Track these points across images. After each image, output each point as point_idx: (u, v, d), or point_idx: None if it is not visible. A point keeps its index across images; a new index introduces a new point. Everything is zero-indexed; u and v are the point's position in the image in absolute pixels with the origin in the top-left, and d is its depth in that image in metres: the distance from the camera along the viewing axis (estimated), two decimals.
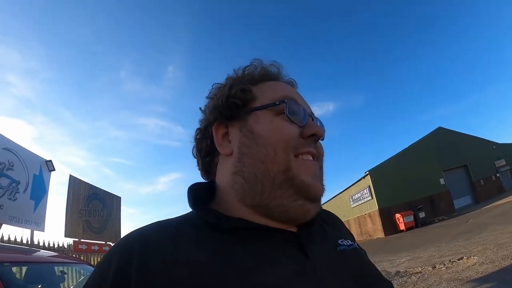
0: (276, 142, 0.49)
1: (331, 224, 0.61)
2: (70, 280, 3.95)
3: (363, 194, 21.22)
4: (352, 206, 23.44)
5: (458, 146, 21.47)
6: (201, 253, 0.41)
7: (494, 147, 23.10)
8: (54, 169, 8.25)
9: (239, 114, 0.53)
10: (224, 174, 0.53)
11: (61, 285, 2.78)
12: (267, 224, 0.47)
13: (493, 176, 21.64)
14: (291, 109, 0.52)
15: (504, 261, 4.59)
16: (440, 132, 22.43)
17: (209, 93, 0.59)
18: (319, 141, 0.55)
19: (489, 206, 14.70)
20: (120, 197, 11.88)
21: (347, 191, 24.42)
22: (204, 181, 0.59)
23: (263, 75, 0.59)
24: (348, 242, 0.55)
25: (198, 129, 0.59)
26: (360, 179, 21.40)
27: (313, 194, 0.49)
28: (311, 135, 0.51)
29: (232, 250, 0.42)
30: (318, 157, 0.54)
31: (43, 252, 3.52)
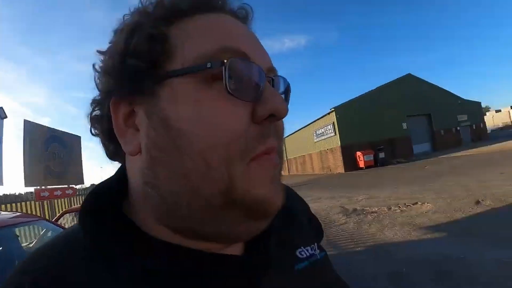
0: (210, 147, 0.28)
1: (290, 220, 0.47)
2: (29, 238, 3.85)
3: (326, 130, 22.00)
4: (315, 140, 24.43)
5: (424, 94, 22.37)
6: None
7: (460, 101, 24.36)
8: (6, 116, 7.59)
9: (145, 86, 0.31)
10: (133, 175, 0.34)
11: (20, 245, 2.67)
12: (198, 247, 0.32)
13: (453, 129, 23.31)
14: (237, 74, 0.29)
15: (456, 213, 5.03)
16: (409, 79, 23.04)
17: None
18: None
19: (446, 156, 15.97)
20: (80, 136, 11.38)
21: (312, 125, 25.12)
22: (111, 176, 0.39)
23: (190, 4, 0.33)
24: (308, 251, 0.44)
25: (93, 100, 0.36)
26: (325, 115, 22.05)
27: (270, 210, 0.32)
28: (268, 117, 0.30)
29: None
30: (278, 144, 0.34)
31: (3, 215, 3.30)
